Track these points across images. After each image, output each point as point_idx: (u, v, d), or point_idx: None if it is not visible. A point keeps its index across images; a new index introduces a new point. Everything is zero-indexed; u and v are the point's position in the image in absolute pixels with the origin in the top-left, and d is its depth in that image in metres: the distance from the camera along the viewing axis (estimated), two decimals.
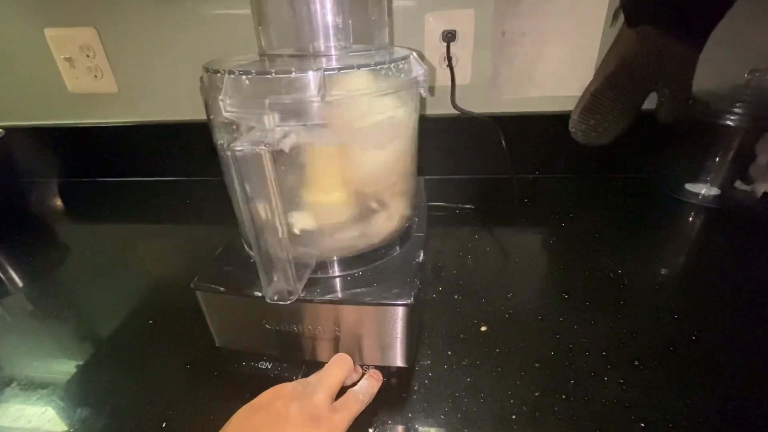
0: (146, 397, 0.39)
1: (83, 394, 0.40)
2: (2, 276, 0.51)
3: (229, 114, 0.31)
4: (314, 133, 0.33)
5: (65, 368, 0.43)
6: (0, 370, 0.43)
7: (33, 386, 0.41)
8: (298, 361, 0.41)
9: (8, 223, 0.70)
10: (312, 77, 0.31)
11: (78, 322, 0.49)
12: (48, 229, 0.70)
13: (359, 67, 0.32)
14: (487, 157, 0.72)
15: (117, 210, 0.75)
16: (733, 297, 0.47)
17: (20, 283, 0.57)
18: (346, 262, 0.39)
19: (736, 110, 0.58)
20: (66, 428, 0.37)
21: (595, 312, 0.45)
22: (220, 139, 0.37)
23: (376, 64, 0.33)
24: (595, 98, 0.60)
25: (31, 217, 0.74)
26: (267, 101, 0.30)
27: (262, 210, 0.30)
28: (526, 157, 0.73)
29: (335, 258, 0.38)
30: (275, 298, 0.33)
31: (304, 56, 0.38)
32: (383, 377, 0.38)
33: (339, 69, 0.32)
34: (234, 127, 0.33)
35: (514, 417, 0.35)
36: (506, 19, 0.63)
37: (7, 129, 0.71)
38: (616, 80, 0.58)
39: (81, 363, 0.43)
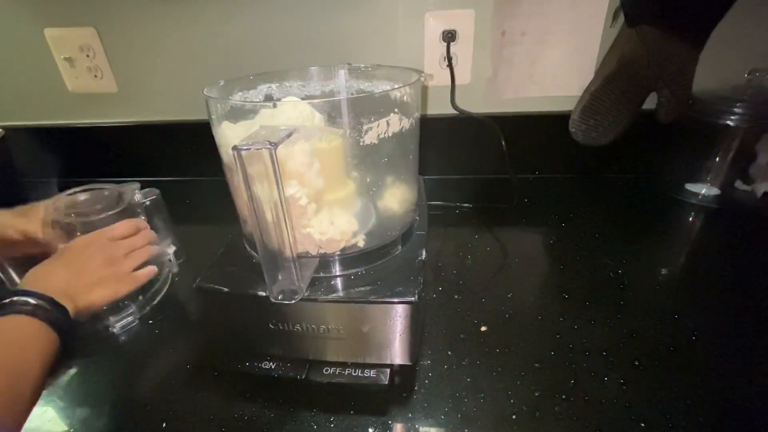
0: (146, 397, 0.39)
1: (83, 394, 0.40)
2: (2, 276, 0.51)
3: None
4: (317, 132, 0.34)
5: (65, 368, 0.43)
6: None
7: None
8: (302, 360, 0.41)
9: None
10: None
11: None
12: None
13: (362, 67, 0.32)
14: (486, 157, 0.72)
15: None
16: (733, 297, 0.47)
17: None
18: (350, 261, 0.39)
19: (736, 110, 0.58)
20: (66, 428, 0.37)
21: (595, 312, 0.45)
22: (223, 138, 0.37)
23: (377, 65, 0.33)
24: (595, 98, 0.60)
25: None
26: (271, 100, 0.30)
27: (267, 209, 0.30)
28: (526, 157, 0.73)
29: (338, 257, 0.38)
30: (280, 297, 0.33)
31: None
32: (386, 376, 0.38)
33: (339, 68, 0.32)
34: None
35: (514, 417, 0.35)
36: (506, 19, 0.63)
37: (7, 129, 0.71)
38: (616, 80, 0.58)
39: (81, 363, 0.43)
